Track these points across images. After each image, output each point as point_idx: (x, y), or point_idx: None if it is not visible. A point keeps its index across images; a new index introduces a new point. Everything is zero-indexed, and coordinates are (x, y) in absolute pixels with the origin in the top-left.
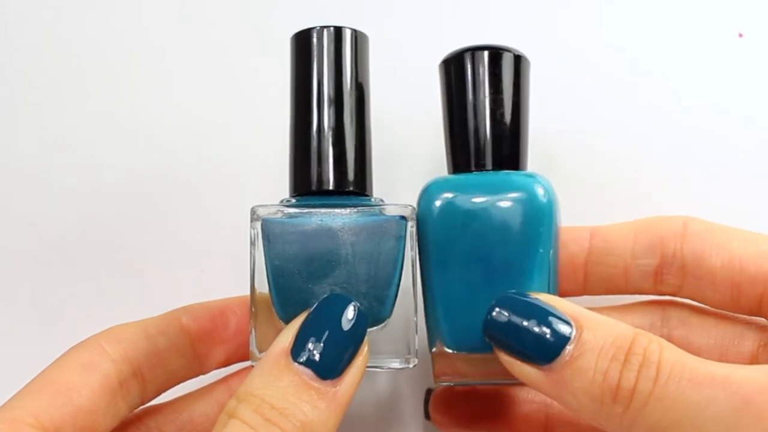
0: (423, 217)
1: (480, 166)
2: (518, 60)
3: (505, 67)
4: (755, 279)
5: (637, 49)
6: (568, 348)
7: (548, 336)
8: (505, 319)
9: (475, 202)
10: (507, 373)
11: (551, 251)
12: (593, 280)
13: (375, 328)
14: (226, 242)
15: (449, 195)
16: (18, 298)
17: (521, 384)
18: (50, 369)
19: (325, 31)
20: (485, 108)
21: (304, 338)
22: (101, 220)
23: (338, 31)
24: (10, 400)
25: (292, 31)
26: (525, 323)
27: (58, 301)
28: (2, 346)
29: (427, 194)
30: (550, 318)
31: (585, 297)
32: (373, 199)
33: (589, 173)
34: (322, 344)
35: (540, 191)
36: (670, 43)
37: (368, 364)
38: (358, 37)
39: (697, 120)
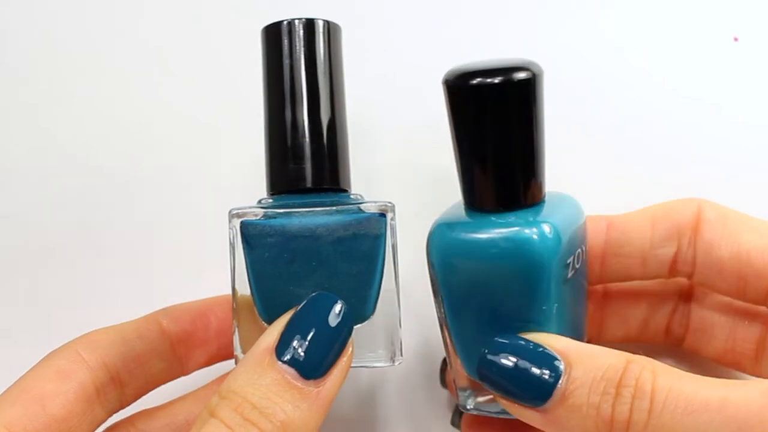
0: (433, 261)
1: (489, 206)
2: (534, 81)
3: (521, 94)
4: (762, 273)
5: (632, 54)
6: (559, 387)
7: (538, 377)
8: (496, 365)
9: (477, 258)
10: None
11: (556, 306)
12: (610, 270)
13: (357, 326)
14: (217, 241)
15: (452, 245)
16: (14, 299)
17: None
18: (25, 377)
19: (296, 22)
20: (497, 141)
21: (288, 337)
22: (94, 221)
23: (310, 23)
24: None
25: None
26: (515, 367)
27: (51, 302)
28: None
29: (432, 242)
30: (539, 359)
31: None
32: (351, 195)
33: (585, 178)
34: (306, 343)
35: (541, 249)
36: (665, 48)
37: (353, 363)
38: (330, 29)
39: (692, 124)
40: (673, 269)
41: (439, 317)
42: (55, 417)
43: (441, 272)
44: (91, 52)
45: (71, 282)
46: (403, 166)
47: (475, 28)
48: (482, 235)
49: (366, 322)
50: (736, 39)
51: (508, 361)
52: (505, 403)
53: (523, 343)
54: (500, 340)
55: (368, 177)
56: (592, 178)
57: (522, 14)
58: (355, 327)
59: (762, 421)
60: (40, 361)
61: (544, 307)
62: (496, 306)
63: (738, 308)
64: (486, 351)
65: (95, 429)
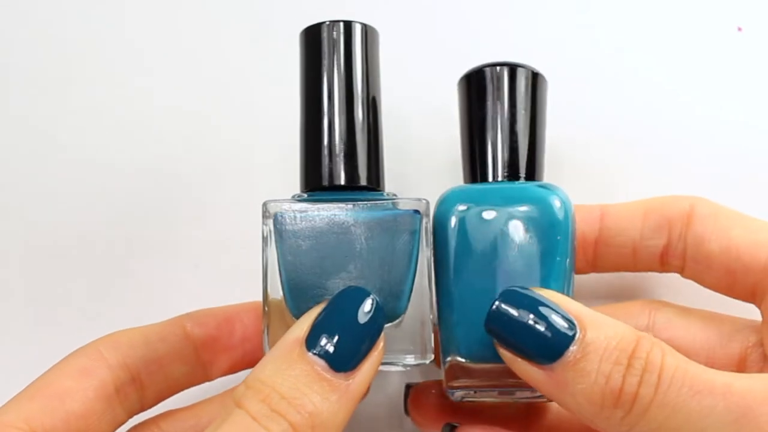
0: (440, 225)
1: (497, 177)
2: (535, 77)
3: (522, 83)
4: (749, 268)
5: (636, 44)
6: (572, 349)
7: (551, 336)
8: (508, 315)
9: (492, 213)
10: (522, 384)
11: (567, 260)
12: (603, 259)
13: (389, 324)
14: (220, 238)
15: (467, 205)
16: (13, 297)
17: (537, 398)
18: (47, 374)
19: (335, 25)
20: (503, 121)
21: (319, 329)
22: (96, 217)
23: (348, 26)
24: (4, 404)
25: (296, 26)
26: (528, 321)
27: (54, 298)
28: None
29: (444, 203)
30: (554, 317)
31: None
32: (385, 194)
33: (590, 170)
34: (337, 336)
35: (556, 203)
36: (668, 38)
37: (383, 361)
38: (368, 32)
39: (695, 115)
40: (664, 262)
41: (439, 294)
42: (74, 413)
43: (452, 236)
44: (90, 51)
45: (72, 280)
46: (437, 167)
47: (506, 33)
48: (500, 196)
49: (398, 319)
50: (740, 29)
51: (521, 312)
52: (509, 358)
53: (537, 296)
54: (514, 289)
55: (402, 178)
56: (591, 177)
57: (530, 15)
58: (387, 325)
59: (765, 412)
60: (62, 359)
61: (558, 258)
62: (509, 265)
63: (711, 331)
64: (498, 299)
65: (115, 429)
